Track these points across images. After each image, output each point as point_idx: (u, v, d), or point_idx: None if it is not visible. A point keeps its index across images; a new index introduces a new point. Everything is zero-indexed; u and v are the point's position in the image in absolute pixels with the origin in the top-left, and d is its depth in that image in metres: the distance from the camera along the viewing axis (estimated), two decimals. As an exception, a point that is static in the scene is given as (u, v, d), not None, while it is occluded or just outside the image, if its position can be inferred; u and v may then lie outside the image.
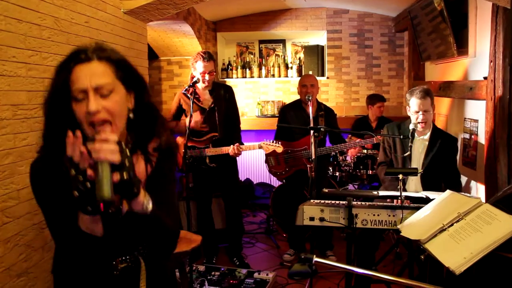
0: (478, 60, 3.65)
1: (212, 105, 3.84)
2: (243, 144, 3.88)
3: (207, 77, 3.73)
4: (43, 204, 1.32)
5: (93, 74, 1.23)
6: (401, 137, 3.11)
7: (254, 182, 6.26)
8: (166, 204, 1.40)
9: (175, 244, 1.46)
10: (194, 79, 3.75)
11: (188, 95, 3.76)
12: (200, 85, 3.80)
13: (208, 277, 3.50)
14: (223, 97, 3.89)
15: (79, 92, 1.22)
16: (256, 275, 3.57)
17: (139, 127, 1.38)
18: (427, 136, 3.18)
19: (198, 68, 3.72)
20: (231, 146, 3.74)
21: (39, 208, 1.34)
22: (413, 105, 3.11)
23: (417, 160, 3.18)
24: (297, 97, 4.23)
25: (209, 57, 3.72)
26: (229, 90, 3.98)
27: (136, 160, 1.37)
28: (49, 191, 1.29)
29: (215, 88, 3.89)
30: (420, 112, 3.08)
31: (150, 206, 1.26)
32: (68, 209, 1.23)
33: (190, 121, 3.57)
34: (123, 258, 1.39)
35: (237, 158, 3.96)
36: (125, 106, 1.31)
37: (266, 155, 4.18)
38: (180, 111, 3.92)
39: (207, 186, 3.99)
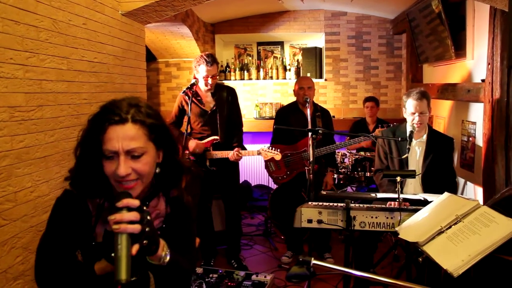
0: (476, 63, 3.65)
1: (214, 108, 3.80)
2: (245, 148, 3.86)
3: (210, 81, 3.69)
4: (51, 232, 1.34)
5: (125, 138, 1.23)
6: (399, 139, 3.11)
7: (252, 184, 6.26)
8: (184, 245, 1.42)
9: (189, 284, 1.48)
10: (192, 81, 3.74)
11: (188, 95, 3.73)
12: (202, 87, 3.77)
13: (206, 279, 3.49)
14: (226, 99, 3.85)
15: (110, 152, 1.23)
16: (254, 277, 3.55)
17: (164, 178, 1.40)
18: (423, 139, 3.18)
19: (201, 72, 3.68)
20: (232, 151, 3.72)
21: (45, 229, 1.37)
22: (410, 107, 3.11)
23: (415, 162, 3.18)
24: (295, 99, 4.23)
25: (213, 60, 3.68)
26: (232, 92, 3.94)
27: (157, 202, 1.41)
28: (64, 227, 1.31)
29: (218, 90, 3.85)
30: (416, 114, 3.08)
31: (167, 258, 1.27)
32: (70, 250, 1.29)
33: (188, 123, 3.55)
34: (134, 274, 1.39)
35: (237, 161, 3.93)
36: (153, 165, 1.33)
37: (266, 160, 4.17)
38: (182, 113, 3.87)
39: (207, 188, 3.97)
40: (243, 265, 4.01)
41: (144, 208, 1.20)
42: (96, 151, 1.26)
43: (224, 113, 3.82)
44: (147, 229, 1.15)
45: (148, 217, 1.18)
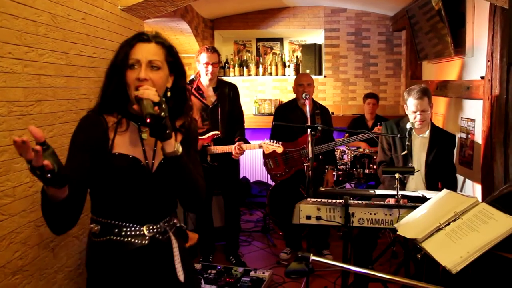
0: (475, 60, 3.65)
1: (216, 103, 3.80)
2: (248, 142, 3.85)
3: (210, 68, 3.70)
4: (74, 153, 1.54)
5: (149, 51, 1.54)
6: (398, 136, 3.12)
7: (251, 181, 6.26)
8: (194, 164, 1.65)
9: (203, 200, 1.68)
10: (191, 77, 3.73)
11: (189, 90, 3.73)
12: (204, 81, 3.77)
13: (205, 275, 3.49)
14: (227, 95, 3.86)
15: (135, 61, 1.52)
16: (252, 273, 3.56)
17: (172, 104, 1.61)
18: (426, 134, 3.18)
19: (201, 60, 3.70)
20: (233, 145, 3.71)
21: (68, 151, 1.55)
22: (411, 105, 3.11)
23: (418, 158, 3.18)
24: (294, 96, 4.22)
25: (213, 49, 3.73)
26: (233, 88, 3.95)
27: None
28: (84, 136, 1.55)
29: (220, 86, 3.85)
30: (418, 112, 3.08)
31: (180, 149, 1.51)
32: (83, 158, 1.51)
33: None
34: (151, 227, 1.61)
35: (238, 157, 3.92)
36: (165, 83, 1.59)
37: (264, 157, 4.16)
38: None
39: (207, 184, 3.95)
40: (242, 261, 4.01)
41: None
42: (123, 66, 1.53)
43: (225, 109, 3.82)
44: (164, 107, 1.43)
45: (164, 105, 1.43)
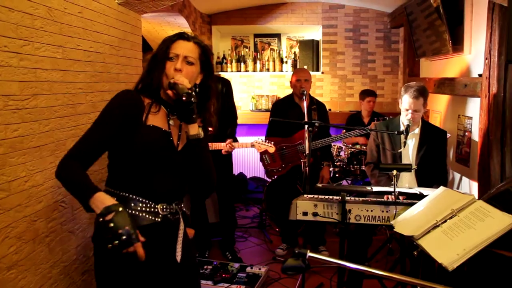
0: (473, 58, 3.65)
1: None
2: (237, 140, 3.84)
3: None
4: (100, 120, 1.74)
5: (186, 48, 1.80)
6: (395, 133, 3.11)
7: (248, 176, 6.26)
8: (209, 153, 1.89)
9: (214, 187, 1.92)
10: None
11: None
12: None
13: (201, 271, 3.49)
14: (220, 91, 3.85)
15: (174, 54, 1.78)
16: (248, 269, 3.56)
17: (197, 99, 1.79)
18: (417, 131, 3.18)
19: None
20: (224, 143, 3.71)
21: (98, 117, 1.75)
22: (405, 102, 3.11)
23: (408, 156, 3.19)
24: (291, 91, 4.21)
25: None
26: (227, 84, 3.93)
27: None
28: (118, 112, 1.73)
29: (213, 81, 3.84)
30: (410, 111, 3.09)
31: (202, 133, 1.79)
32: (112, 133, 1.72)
33: None
34: (164, 206, 1.78)
35: (232, 152, 3.93)
36: (195, 78, 1.85)
37: (261, 153, 4.16)
38: None
39: None
40: (238, 257, 4.01)
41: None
42: (163, 57, 1.78)
43: (218, 105, 3.81)
44: (194, 95, 1.68)
45: (194, 93, 1.70)
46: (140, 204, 1.73)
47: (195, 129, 1.76)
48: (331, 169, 4.82)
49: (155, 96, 1.81)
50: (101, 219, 1.48)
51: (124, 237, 1.45)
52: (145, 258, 1.57)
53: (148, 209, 1.74)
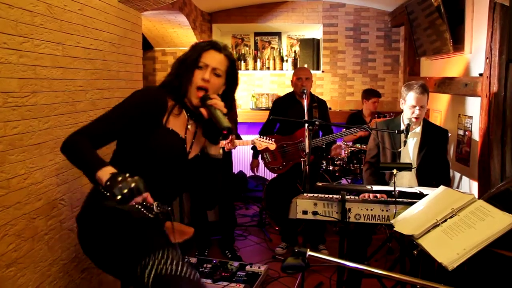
0: (474, 57, 3.64)
1: None
2: (239, 137, 3.85)
3: None
4: (123, 112, 1.75)
5: (217, 60, 1.85)
6: (396, 132, 3.10)
7: (247, 175, 6.25)
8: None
9: (215, 205, 2.07)
10: None
11: None
12: None
13: (200, 269, 3.49)
14: None
15: (204, 64, 1.82)
16: (248, 268, 3.56)
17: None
18: (418, 130, 3.17)
19: None
20: (226, 140, 3.70)
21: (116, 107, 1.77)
22: (410, 99, 3.09)
23: (408, 155, 3.18)
24: (292, 90, 4.20)
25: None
26: None
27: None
28: (140, 109, 1.75)
29: None
30: (417, 107, 3.07)
31: (221, 153, 1.90)
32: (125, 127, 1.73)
33: None
34: (159, 205, 1.71)
35: (232, 150, 3.93)
36: (219, 90, 1.90)
37: (261, 151, 4.16)
38: None
39: None
40: (237, 256, 4.01)
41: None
42: (193, 65, 1.82)
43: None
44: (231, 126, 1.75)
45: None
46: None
47: (217, 149, 1.87)
48: (330, 167, 4.81)
49: (179, 99, 1.84)
50: (108, 182, 1.46)
51: (133, 184, 1.45)
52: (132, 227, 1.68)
53: (143, 203, 1.71)
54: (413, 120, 3.08)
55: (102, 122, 1.72)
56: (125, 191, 1.43)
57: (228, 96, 1.95)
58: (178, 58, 1.91)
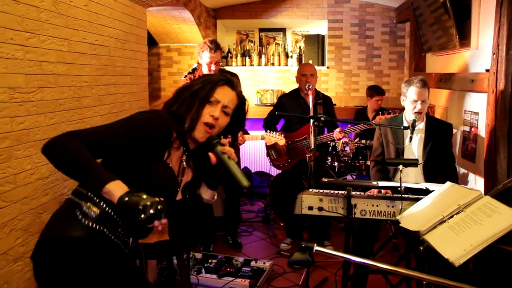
0: (480, 52, 3.62)
1: None
2: (248, 133, 3.85)
3: (213, 67, 3.73)
4: (128, 131, 1.57)
5: (229, 97, 1.78)
6: (402, 128, 3.09)
7: (252, 171, 6.25)
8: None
9: (196, 243, 1.95)
10: (194, 66, 3.72)
11: (191, 80, 3.72)
12: (206, 73, 3.76)
13: (205, 265, 3.49)
14: None
15: (215, 100, 1.74)
16: (253, 263, 3.57)
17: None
18: (422, 126, 3.16)
19: (204, 58, 3.70)
20: None
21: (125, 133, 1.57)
22: (412, 94, 3.08)
23: (412, 151, 3.16)
24: (297, 86, 4.19)
25: (216, 47, 3.70)
26: (235, 78, 3.94)
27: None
28: (145, 133, 1.60)
29: None
30: (419, 102, 3.05)
31: (215, 199, 1.85)
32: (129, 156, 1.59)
33: None
34: (133, 241, 1.66)
35: (239, 146, 3.93)
36: (223, 128, 1.81)
37: (267, 148, 4.15)
38: None
39: None
40: (238, 242, 4.03)
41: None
42: (205, 99, 1.73)
43: None
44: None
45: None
46: (120, 230, 1.59)
47: (212, 195, 1.83)
48: (336, 163, 4.80)
49: (183, 133, 1.73)
50: (127, 198, 1.36)
51: (160, 206, 1.37)
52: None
53: (123, 238, 1.61)
54: (417, 115, 3.06)
55: (100, 132, 1.54)
56: (151, 211, 1.35)
57: (231, 128, 1.86)
58: (186, 86, 1.80)
